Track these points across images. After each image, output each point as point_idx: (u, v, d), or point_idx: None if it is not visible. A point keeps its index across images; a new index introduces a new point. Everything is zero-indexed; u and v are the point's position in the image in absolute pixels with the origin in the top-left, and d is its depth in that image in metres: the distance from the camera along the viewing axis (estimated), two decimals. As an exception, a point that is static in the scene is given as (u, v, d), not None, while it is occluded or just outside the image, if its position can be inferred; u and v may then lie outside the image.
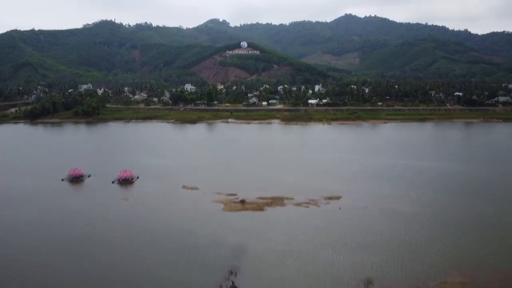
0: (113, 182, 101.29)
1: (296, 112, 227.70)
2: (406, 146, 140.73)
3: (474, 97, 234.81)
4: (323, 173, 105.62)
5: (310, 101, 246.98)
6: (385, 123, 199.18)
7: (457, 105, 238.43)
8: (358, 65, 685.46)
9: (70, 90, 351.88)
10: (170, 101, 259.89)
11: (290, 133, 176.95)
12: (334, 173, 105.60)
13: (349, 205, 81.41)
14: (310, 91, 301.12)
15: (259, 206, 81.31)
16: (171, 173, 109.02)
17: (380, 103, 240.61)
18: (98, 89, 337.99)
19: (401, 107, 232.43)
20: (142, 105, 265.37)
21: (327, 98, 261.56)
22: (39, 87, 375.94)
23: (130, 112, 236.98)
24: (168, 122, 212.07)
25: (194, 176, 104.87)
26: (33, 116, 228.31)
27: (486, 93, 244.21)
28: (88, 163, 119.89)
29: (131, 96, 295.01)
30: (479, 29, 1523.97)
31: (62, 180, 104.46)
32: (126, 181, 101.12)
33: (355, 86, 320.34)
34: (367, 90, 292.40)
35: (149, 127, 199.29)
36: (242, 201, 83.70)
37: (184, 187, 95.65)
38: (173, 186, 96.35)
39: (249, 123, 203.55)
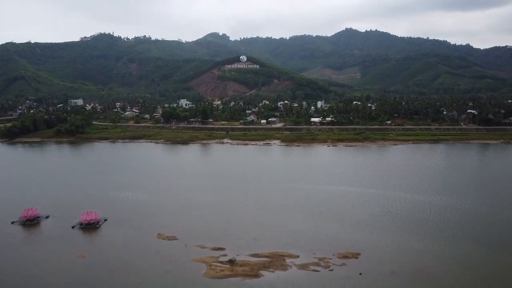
0: (73, 227, 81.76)
1: (298, 131, 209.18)
2: (429, 175, 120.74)
3: (490, 115, 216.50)
4: (332, 215, 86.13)
5: (312, 119, 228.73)
6: (395, 144, 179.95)
7: (471, 124, 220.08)
8: (360, 80, 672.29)
9: (59, 105, 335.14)
10: (161, 118, 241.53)
11: (291, 157, 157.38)
12: (347, 215, 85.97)
13: (371, 268, 61.70)
14: (313, 108, 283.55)
15: (253, 270, 61.59)
16: (147, 213, 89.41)
17: (389, 122, 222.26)
18: (87, 105, 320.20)
19: (411, 126, 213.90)
20: (131, 123, 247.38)
21: (331, 115, 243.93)
22: (27, 101, 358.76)
23: (117, 131, 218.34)
24: (157, 143, 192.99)
25: (175, 219, 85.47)
26: (12, 135, 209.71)
27: (503, 111, 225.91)
28: (52, 197, 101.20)
29: (121, 112, 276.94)
30: (481, 43, 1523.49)
31: (12, 223, 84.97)
32: (89, 226, 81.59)
33: (360, 103, 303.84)
34: (373, 107, 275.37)
35: (135, 149, 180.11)
36: (231, 261, 64.09)
37: (159, 235, 76.07)
38: (147, 234, 76.76)
39: (246, 144, 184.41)
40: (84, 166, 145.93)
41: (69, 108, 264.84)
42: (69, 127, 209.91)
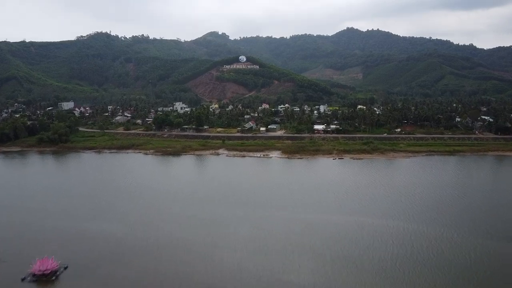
0: (23, 279, 65.47)
1: (300, 140, 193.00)
2: (457, 199, 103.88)
3: (508, 123, 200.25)
4: (347, 259, 69.79)
5: (316, 126, 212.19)
6: (407, 157, 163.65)
7: (487, 132, 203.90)
8: (362, 81, 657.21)
9: (48, 108, 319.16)
10: (153, 125, 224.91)
11: (294, 173, 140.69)
12: (366, 259, 69.63)
13: None
14: (315, 112, 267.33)
15: None
16: (118, 254, 73.21)
17: (398, 130, 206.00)
18: (77, 109, 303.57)
19: (423, 135, 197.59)
20: (122, 129, 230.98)
21: (335, 122, 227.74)
22: (15, 104, 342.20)
23: (104, 139, 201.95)
24: (146, 154, 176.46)
25: (151, 265, 69.12)
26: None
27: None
28: (2, 233, 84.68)
29: (111, 118, 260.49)
30: (484, 43, 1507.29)
31: None
32: (44, 278, 65.38)
33: (365, 107, 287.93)
34: (378, 111, 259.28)
35: (120, 162, 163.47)
36: None
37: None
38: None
39: (244, 156, 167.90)
40: (57, 185, 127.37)
41: (54, 114, 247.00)
42: (52, 135, 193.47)
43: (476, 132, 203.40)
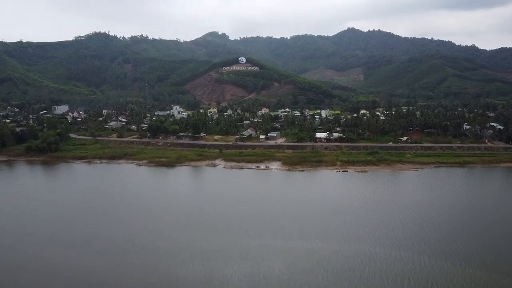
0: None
1: (302, 149, 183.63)
2: (477, 224, 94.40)
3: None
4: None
5: (318, 134, 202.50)
6: (415, 169, 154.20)
7: (497, 140, 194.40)
8: (363, 82, 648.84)
9: (41, 112, 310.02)
10: (148, 132, 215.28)
11: (295, 188, 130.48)
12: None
13: None
14: (317, 118, 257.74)
15: None
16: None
17: (404, 138, 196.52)
18: (70, 113, 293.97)
19: (431, 144, 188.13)
20: (115, 135, 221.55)
21: (338, 128, 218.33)
22: (8, 107, 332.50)
23: (95, 148, 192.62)
24: (139, 165, 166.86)
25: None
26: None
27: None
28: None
29: (105, 123, 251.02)
30: (486, 44, 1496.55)
31: None
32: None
33: (367, 112, 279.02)
34: (382, 117, 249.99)
35: (110, 174, 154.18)
36: None
37: None
38: None
39: (242, 168, 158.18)
40: (34, 204, 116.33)
41: (44, 120, 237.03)
42: (41, 144, 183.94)
43: (486, 141, 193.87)
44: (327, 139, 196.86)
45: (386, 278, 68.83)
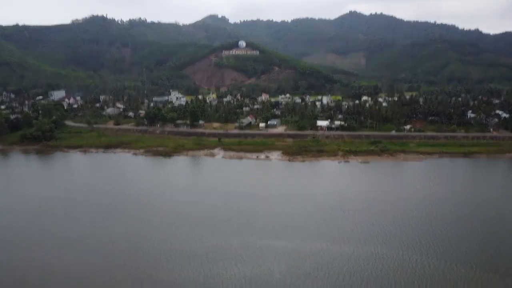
0: None
1: (302, 138, 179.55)
2: (491, 221, 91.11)
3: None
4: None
5: (319, 122, 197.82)
6: (419, 160, 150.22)
7: (503, 129, 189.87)
8: (365, 66, 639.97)
9: (38, 98, 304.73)
10: (145, 120, 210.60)
11: (296, 181, 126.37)
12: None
13: None
14: (318, 104, 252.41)
15: None
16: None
17: (407, 127, 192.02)
18: (66, 99, 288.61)
19: (434, 133, 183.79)
20: (111, 123, 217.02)
21: (339, 116, 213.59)
22: (4, 93, 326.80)
23: (91, 136, 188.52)
24: (136, 154, 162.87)
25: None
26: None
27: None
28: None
29: (102, 110, 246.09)
30: (490, 28, 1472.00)
31: None
32: None
33: (370, 98, 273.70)
34: (384, 104, 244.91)
35: (105, 163, 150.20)
36: None
37: None
38: None
39: (241, 158, 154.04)
40: (26, 198, 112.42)
41: (40, 107, 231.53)
42: (35, 132, 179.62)
43: (491, 130, 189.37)
44: (329, 128, 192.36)
45: (393, 284, 65.41)
